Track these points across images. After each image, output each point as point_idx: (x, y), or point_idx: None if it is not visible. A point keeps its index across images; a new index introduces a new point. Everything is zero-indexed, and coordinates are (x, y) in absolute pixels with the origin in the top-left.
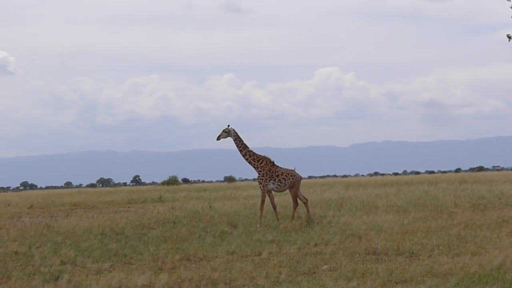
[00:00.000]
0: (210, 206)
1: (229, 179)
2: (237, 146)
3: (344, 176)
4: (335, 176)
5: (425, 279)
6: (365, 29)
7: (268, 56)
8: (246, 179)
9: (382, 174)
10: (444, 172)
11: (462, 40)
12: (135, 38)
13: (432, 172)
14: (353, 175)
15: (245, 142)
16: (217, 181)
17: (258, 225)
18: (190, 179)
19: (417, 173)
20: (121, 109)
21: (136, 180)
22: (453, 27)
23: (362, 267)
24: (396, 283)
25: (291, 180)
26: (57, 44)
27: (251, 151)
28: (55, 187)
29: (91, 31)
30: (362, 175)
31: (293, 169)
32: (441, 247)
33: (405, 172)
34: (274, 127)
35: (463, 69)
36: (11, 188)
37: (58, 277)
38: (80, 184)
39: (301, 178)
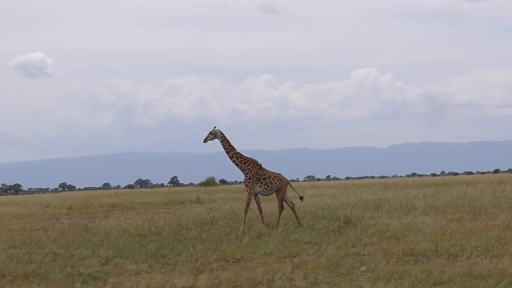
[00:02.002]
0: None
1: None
2: (224, 147)
3: (382, 177)
4: (372, 177)
5: (464, 281)
6: (402, 29)
7: (305, 57)
8: None
9: (420, 175)
10: (483, 173)
11: (500, 40)
12: (171, 39)
13: (470, 173)
14: (390, 176)
15: (232, 144)
16: None
17: (241, 228)
18: (227, 180)
19: (455, 174)
20: (159, 110)
21: (174, 181)
22: (490, 27)
23: (400, 269)
24: (434, 285)
25: (277, 183)
26: (95, 45)
27: (238, 153)
28: (93, 188)
29: (128, 33)
30: (400, 176)
31: (279, 172)
32: (480, 249)
33: (443, 173)
34: (311, 128)
35: (501, 70)
36: (49, 189)
37: (97, 278)
38: (118, 185)
39: (288, 182)
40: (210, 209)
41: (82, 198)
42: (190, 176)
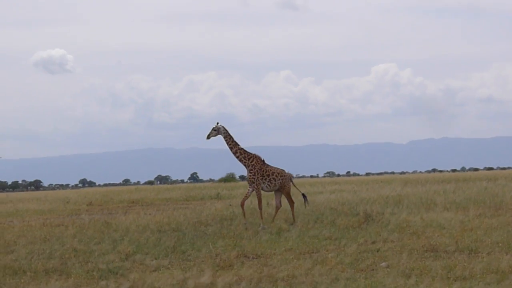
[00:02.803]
0: (267, 203)
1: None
2: (227, 143)
3: (402, 173)
4: (392, 173)
5: (485, 276)
6: (422, 24)
7: (325, 52)
8: (303, 176)
9: (440, 171)
10: (503, 168)
11: None
12: (191, 35)
13: (491, 168)
14: (411, 171)
15: (235, 139)
16: None
17: (261, 224)
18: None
19: (476, 169)
20: (178, 106)
21: (194, 177)
22: (511, 22)
23: (420, 264)
24: (455, 280)
25: (281, 180)
26: (114, 42)
27: (242, 148)
28: (113, 184)
29: (147, 29)
30: (420, 172)
31: (282, 168)
32: (500, 244)
33: (463, 169)
34: (331, 124)
35: None
36: (70, 185)
37: (117, 273)
38: (138, 181)
39: (290, 177)
40: (230, 205)
41: (102, 194)
42: (210, 172)
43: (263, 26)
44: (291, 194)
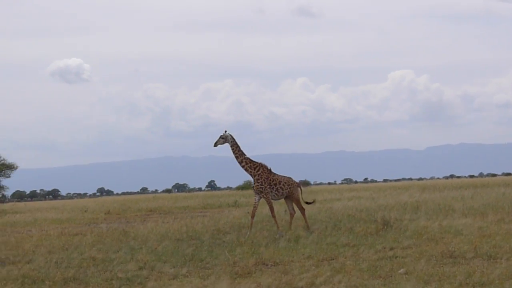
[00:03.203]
0: (285, 211)
1: (304, 183)
2: (233, 152)
3: (420, 179)
4: (410, 179)
5: (504, 282)
6: (438, 31)
7: (341, 59)
8: (321, 183)
9: (458, 177)
10: None
11: None
12: (207, 43)
13: (509, 174)
14: (428, 178)
15: (242, 148)
16: None
17: (279, 233)
18: None
19: (494, 175)
20: (195, 114)
21: (211, 185)
22: None
23: (439, 271)
24: (474, 287)
25: (288, 189)
26: (131, 51)
27: (248, 158)
28: (131, 193)
29: (164, 38)
30: (438, 178)
31: (289, 176)
32: None
33: (481, 175)
34: (348, 131)
35: None
36: (88, 194)
37: (136, 282)
38: (156, 190)
39: (298, 185)
40: (248, 212)
41: (120, 203)
42: (227, 180)
43: (279, 33)
44: (288, 204)
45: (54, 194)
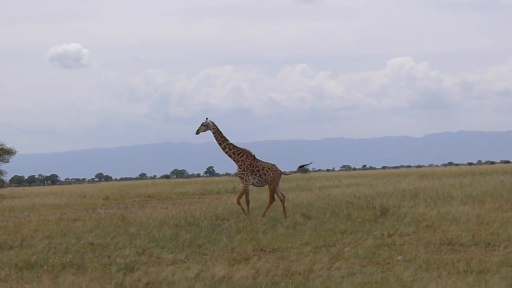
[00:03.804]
0: (288, 200)
1: (303, 170)
2: (216, 139)
3: (418, 166)
4: (409, 166)
5: (501, 270)
6: (438, 18)
7: (340, 46)
8: (319, 170)
9: (457, 164)
10: None
11: None
12: (207, 30)
13: (508, 162)
14: (427, 165)
15: (224, 135)
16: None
17: (247, 219)
18: None
19: (492, 163)
20: (194, 100)
21: (210, 171)
22: None
23: (437, 258)
24: (472, 274)
25: (271, 175)
26: (130, 36)
27: (231, 144)
28: (130, 179)
29: (163, 24)
30: (436, 166)
31: (273, 163)
32: None
33: (480, 162)
34: (347, 118)
35: None
36: (86, 180)
37: (134, 268)
38: (155, 176)
39: (281, 173)
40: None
41: (119, 189)
42: (226, 166)
43: (279, 20)
44: (276, 191)
45: (52, 179)
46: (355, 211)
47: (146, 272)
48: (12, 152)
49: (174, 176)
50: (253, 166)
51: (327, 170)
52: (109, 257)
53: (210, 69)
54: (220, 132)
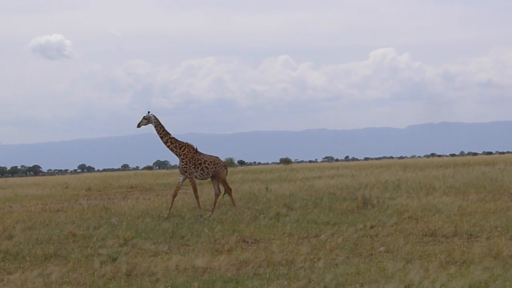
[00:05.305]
0: (267, 188)
1: (285, 161)
2: (158, 133)
3: (401, 157)
4: (391, 157)
5: (484, 261)
6: (420, 9)
7: (323, 37)
8: (302, 161)
9: (439, 156)
10: (502, 153)
11: None
12: (190, 21)
13: (490, 153)
14: (409, 156)
15: (166, 128)
16: (273, 163)
17: (200, 214)
18: (246, 161)
19: (475, 154)
20: (177, 91)
21: None
22: (510, 6)
23: (419, 249)
24: (454, 265)
25: (214, 168)
26: (113, 27)
27: (173, 138)
28: (112, 170)
29: (146, 15)
30: (419, 157)
31: (216, 156)
32: (499, 229)
33: (462, 153)
34: (329, 109)
35: None
36: (69, 171)
37: (116, 258)
38: (137, 167)
39: (225, 165)
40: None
41: (101, 180)
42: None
43: (261, 11)
44: (214, 183)
45: (35, 170)
46: (337, 203)
47: (128, 263)
48: None
49: (157, 167)
50: (195, 160)
51: (310, 161)
52: (91, 248)
53: (192, 60)
54: (162, 126)
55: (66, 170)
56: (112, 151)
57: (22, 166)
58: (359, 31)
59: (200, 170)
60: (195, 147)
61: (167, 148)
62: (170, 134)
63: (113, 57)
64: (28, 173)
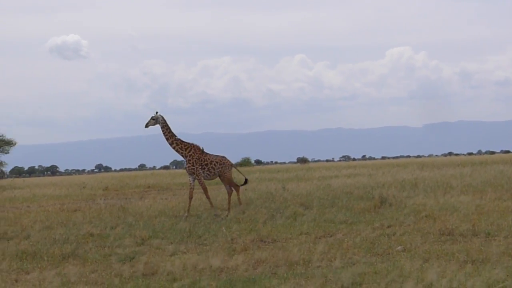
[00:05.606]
0: (283, 187)
1: (302, 160)
2: (164, 134)
3: (418, 156)
4: (408, 156)
5: (501, 260)
6: (437, 7)
7: (339, 36)
8: (319, 160)
9: (456, 154)
10: None
11: None
12: (206, 20)
13: (508, 151)
14: (426, 155)
15: (172, 131)
16: (289, 162)
17: (215, 214)
18: (262, 161)
19: (492, 152)
20: (193, 91)
21: None
22: None
23: (437, 248)
24: (472, 264)
25: (220, 168)
26: (129, 27)
27: (179, 139)
28: (129, 169)
29: (162, 14)
30: (436, 155)
31: (223, 155)
32: None
33: (479, 152)
34: (346, 108)
35: None
36: (86, 171)
37: (134, 258)
38: (154, 166)
39: (231, 165)
40: (245, 189)
41: (118, 179)
42: (229, 157)
43: (277, 10)
44: (233, 179)
45: (52, 170)
46: (354, 202)
47: (146, 262)
48: (12, 143)
49: (174, 167)
50: (201, 160)
51: (327, 161)
52: (109, 247)
53: (208, 59)
54: (169, 127)
55: (83, 170)
56: (129, 151)
57: (39, 166)
58: (376, 30)
59: (207, 171)
60: (201, 148)
61: (172, 150)
62: (175, 136)
63: (129, 57)
64: (45, 173)
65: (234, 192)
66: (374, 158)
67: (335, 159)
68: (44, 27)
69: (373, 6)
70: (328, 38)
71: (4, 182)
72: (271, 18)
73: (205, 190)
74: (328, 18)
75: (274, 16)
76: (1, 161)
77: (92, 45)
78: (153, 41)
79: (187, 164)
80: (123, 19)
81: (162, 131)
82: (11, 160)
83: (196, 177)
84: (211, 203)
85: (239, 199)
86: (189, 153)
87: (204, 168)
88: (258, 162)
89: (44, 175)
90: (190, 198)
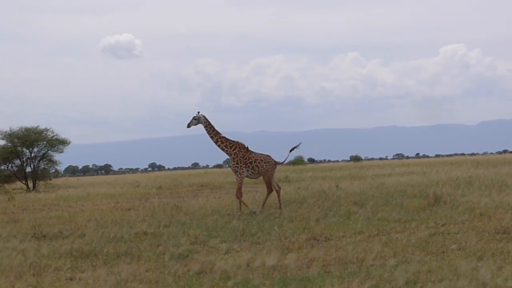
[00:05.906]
0: (337, 186)
1: (355, 159)
2: (208, 133)
3: (472, 154)
4: (463, 154)
5: None
6: (491, 4)
7: (392, 34)
8: (372, 158)
9: None
10: None
11: None
12: (258, 19)
13: None
14: (481, 153)
15: (216, 128)
16: (343, 161)
17: (238, 213)
18: (315, 159)
19: None
20: (246, 90)
21: None
22: None
23: (492, 247)
24: None
25: (264, 166)
26: (181, 26)
27: (224, 137)
28: (183, 168)
29: (214, 13)
30: (491, 153)
31: (268, 154)
32: None
33: None
34: (399, 106)
35: None
36: (139, 170)
37: (187, 256)
38: (207, 165)
39: (275, 163)
40: (299, 188)
41: (172, 178)
42: (278, 155)
43: (330, 8)
44: (271, 182)
45: (106, 169)
46: (408, 200)
47: (199, 261)
48: (67, 142)
49: (227, 166)
50: (246, 158)
51: (380, 159)
52: (163, 246)
53: (261, 58)
54: (212, 126)
55: (136, 169)
56: (182, 149)
57: (93, 165)
58: (429, 27)
59: (251, 169)
60: (246, 146)
61: (217, 148)
62: (220, 134)
63: (182, 56)
64: (99, 172)
65: (274, 192)
66: (428, 156)
67: (389, 157)
68: (98, 27)
69: (426, 3)
70: (381, 35)
71: (59, 181)
72: (323, 16)
73: (239, 189)
74: (381, 16)
75: (327, 15)
76: (56, 160)
77: (145, 44)
78: (205, 40)
79: (231, 161)
80: (175, 18)
81: (206, 130)
82: (66, 159)
83: (237, 175)
84: (239, 203)
85: (264, 201)
86: (234, 151)
87: (249, 167)
88: (311, 160)
89: (98, 174)
90: (240, 196)
